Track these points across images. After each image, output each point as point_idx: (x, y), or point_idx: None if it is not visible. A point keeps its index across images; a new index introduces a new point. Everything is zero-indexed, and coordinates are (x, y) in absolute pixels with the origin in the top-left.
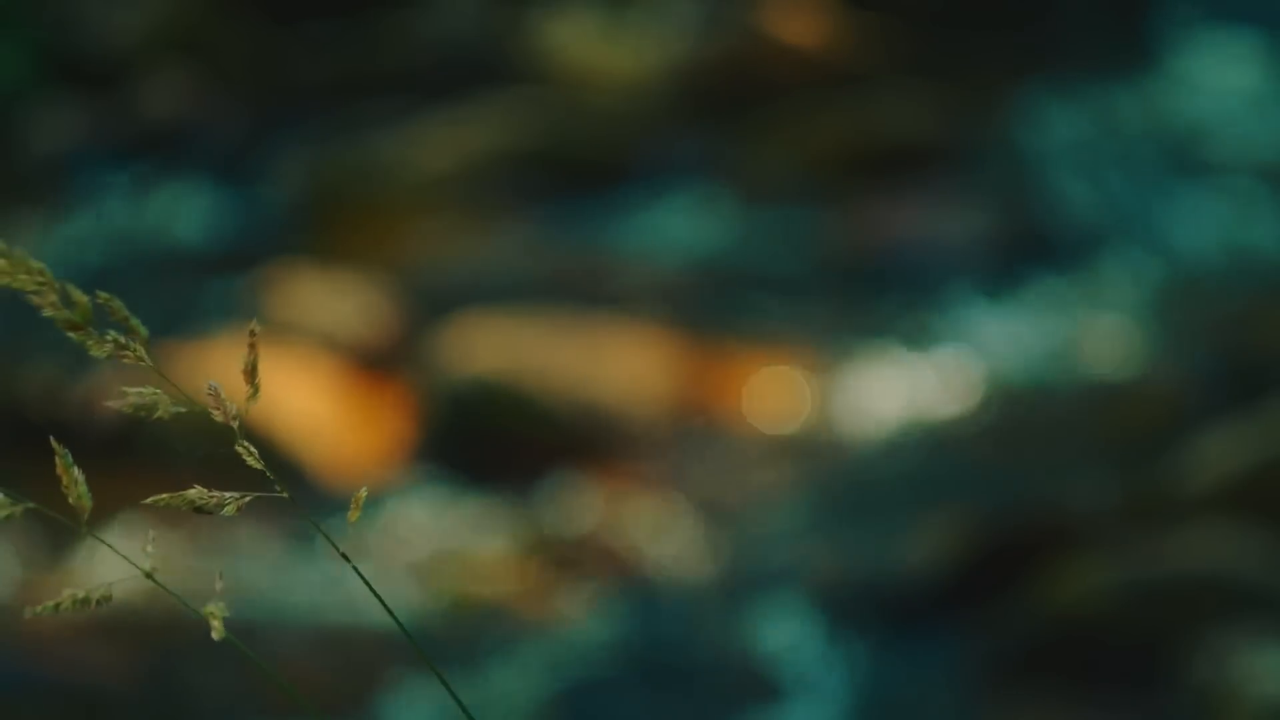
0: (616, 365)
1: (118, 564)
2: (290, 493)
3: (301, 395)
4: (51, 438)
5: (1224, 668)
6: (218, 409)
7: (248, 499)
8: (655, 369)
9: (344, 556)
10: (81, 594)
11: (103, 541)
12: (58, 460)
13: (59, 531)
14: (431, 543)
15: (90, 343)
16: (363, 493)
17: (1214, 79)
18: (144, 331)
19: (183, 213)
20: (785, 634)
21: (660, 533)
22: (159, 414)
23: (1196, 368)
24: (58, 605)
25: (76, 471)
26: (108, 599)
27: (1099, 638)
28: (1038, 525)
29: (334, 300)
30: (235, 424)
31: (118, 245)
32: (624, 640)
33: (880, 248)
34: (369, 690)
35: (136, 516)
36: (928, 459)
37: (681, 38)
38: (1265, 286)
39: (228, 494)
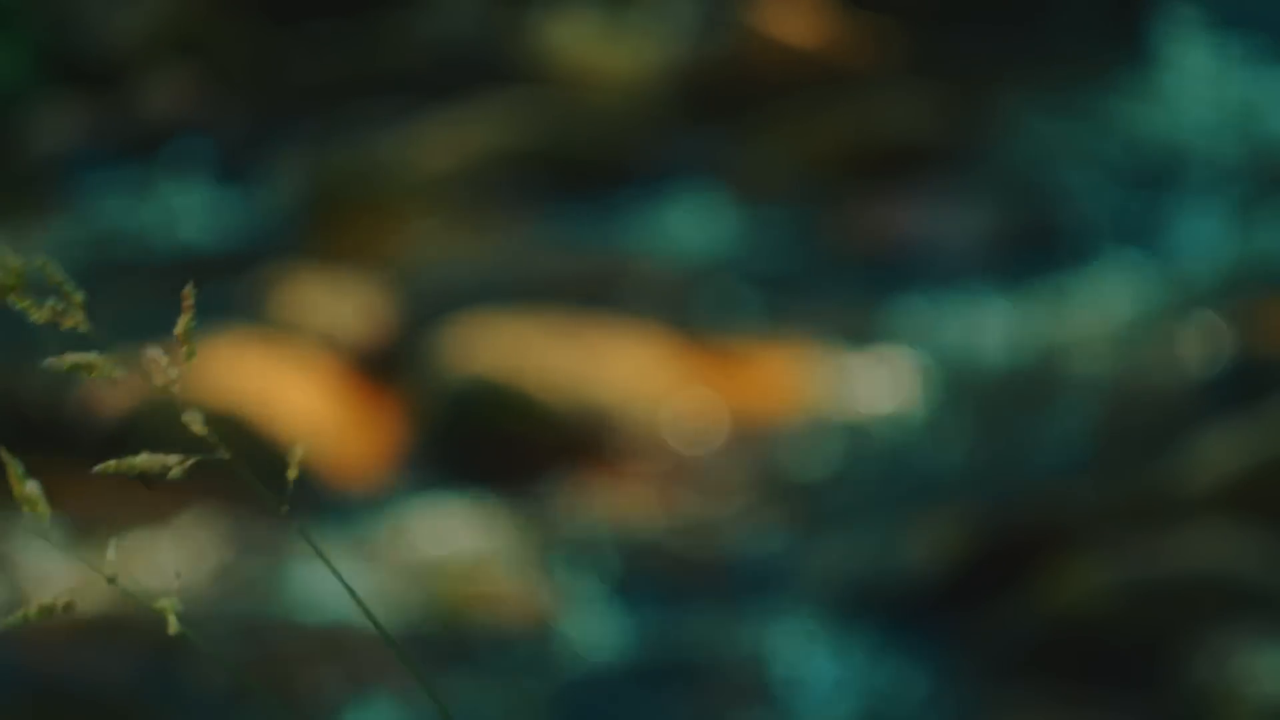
0: (616, 365)
1: (115, 562)
2: (246, 467)
3: (301, 395)
4: (2, 448)
5: (1224, 668)
6: (157, 372)
7: (191, 462)
8: (655, 369)
9: (323, 557)
10: (48, 602)
11: (64, 551)
12: (10, 472)
13: (58, 528)
14: (431, 543)
15: (28, 306)
16: (299, 451)
17: (1213, 79)
18: (80, 296)
19: (183, 213)
20: (785, 634)
21: (660, 533)
22: (96, 374)
23: (1196, 368)
24: (25, 615)
25: (32, 484)
26: (72, 607)
27: (1099, 638)
28: (1038, 525)
29: (334, 300)
30: (175, 387)
31: (118, 245)
32: (624, 640)
33: (880, 247)
34: (357, 691)
35: (132, 518)
36: (928, 458)
37: (681, 38)
38: (1265, 286)
39: (171, 457)
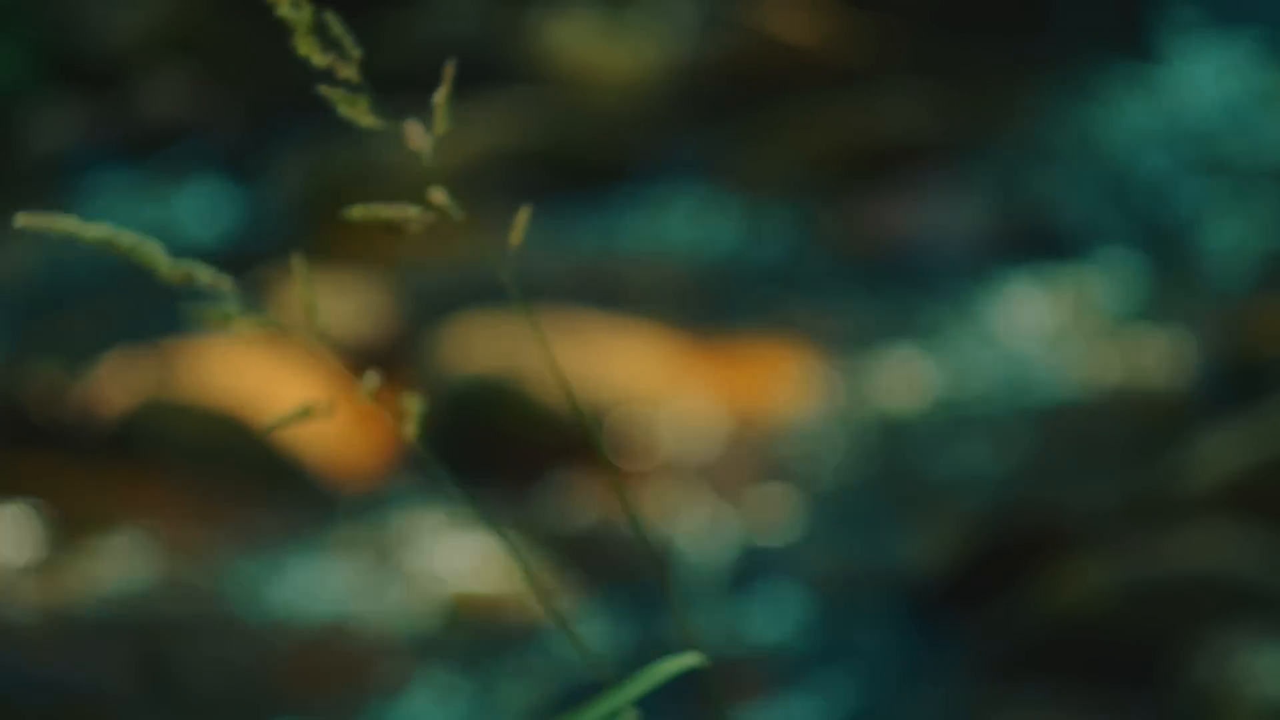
0: (616, 365)
1: (116, 562)
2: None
3: (301, 395)
4: (295, 256)
5: (1224, 668)
6: (415, 141)
7: (429, 218)
8: (655, 368)
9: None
10: (309, 405)
11: (327, 353)
12: (297, 277)
13: (59, 528)
14: (430, 543)
15: (310, 51)
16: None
17: (1214, 78)
18: (358, 52)
19: (182, 213)
20: (785, 633)
21: (660, 533)
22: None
23: (1196, 368)
24: (285, 419)
25: (311, 296)
26: (329, 409)
27: (1099, 638)
28: (1038, 525)
29: (334, 300)
30: (429, 153)
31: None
32: (624, 640)
33: (880, 247)
34: (372, 688)
35: (137, 515)
36: (928, 458)
37: (681, 38)
38: (1265, 286)
39: (411, 209)
